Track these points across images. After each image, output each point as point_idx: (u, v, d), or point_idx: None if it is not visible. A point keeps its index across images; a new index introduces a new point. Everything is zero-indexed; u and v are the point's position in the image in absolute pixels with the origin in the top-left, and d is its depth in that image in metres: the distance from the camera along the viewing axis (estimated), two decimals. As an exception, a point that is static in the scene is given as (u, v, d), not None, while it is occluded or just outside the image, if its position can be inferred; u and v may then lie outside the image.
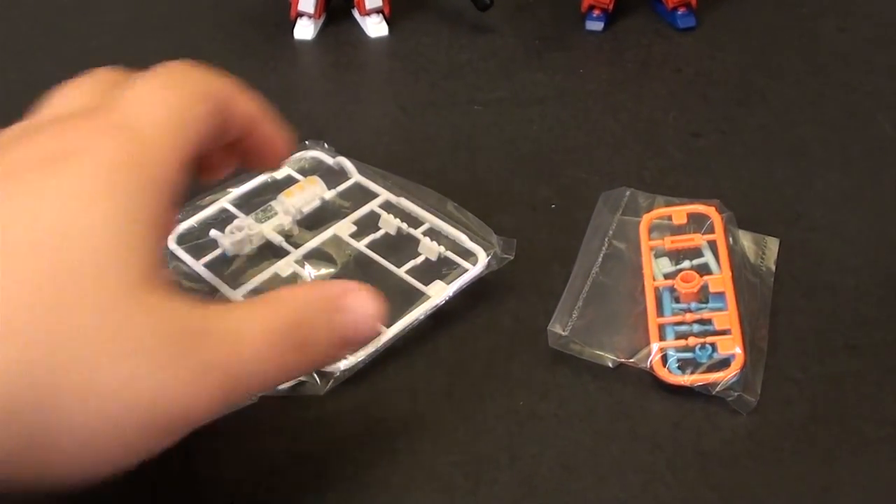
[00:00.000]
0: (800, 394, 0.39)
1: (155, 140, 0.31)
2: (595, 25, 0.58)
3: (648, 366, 0.40)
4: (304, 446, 0.39)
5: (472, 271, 0.43)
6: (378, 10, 0.61)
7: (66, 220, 0.28)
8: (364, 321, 0.34)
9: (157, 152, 0.31)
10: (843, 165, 0.50)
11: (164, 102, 0.32)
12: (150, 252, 0.30)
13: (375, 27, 0.61)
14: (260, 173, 0.48)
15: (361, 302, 0.34)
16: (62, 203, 0.28)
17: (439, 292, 0.42)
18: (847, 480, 0.37)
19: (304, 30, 0.61)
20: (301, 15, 0.60)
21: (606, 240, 0.45)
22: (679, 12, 0.58)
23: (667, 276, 0.43)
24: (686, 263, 0.43)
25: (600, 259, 0.44)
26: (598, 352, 0.40)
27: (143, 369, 0.28)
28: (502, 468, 0.38)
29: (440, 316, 0.42)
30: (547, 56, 0.57)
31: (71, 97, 0.33)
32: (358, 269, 0.44)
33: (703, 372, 0.39)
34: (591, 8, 0.58)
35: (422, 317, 0.41)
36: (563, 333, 0.41)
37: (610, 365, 0.40)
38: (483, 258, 0.43)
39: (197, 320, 0.30)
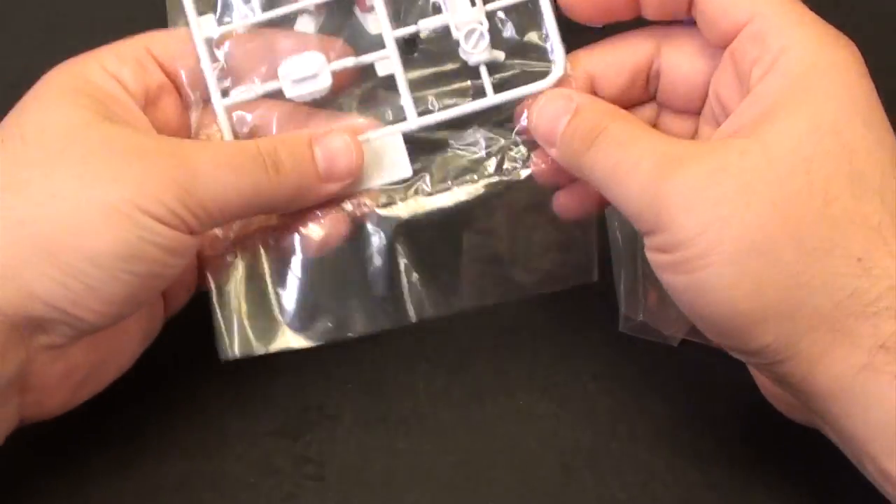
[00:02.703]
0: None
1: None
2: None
3: None
4: (305, 447, 0.39)
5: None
6: (378, 7, 0.60)
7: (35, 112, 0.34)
8: (341, 148, 0.36)
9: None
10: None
11: None
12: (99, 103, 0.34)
13: (376, 24, 0.61)
14: None
15: (336, 135, 0.36)
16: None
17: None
18: (848, 480, 0.37)
19: (306, 25, 0.60)
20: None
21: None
22: (680, 11, 0.58)
23: None
24: None
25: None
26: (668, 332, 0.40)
27: (98, 174, 0.32)
28: (502, 468, 0.38)
29: (440, 317, 0.42)
30: (547, 54, 0.57)
31: None
32: None
33: None
34: (592, 6, 0.58)
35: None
36: (637, 318, 0.40)
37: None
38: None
39: (148, 141, 0.34)
